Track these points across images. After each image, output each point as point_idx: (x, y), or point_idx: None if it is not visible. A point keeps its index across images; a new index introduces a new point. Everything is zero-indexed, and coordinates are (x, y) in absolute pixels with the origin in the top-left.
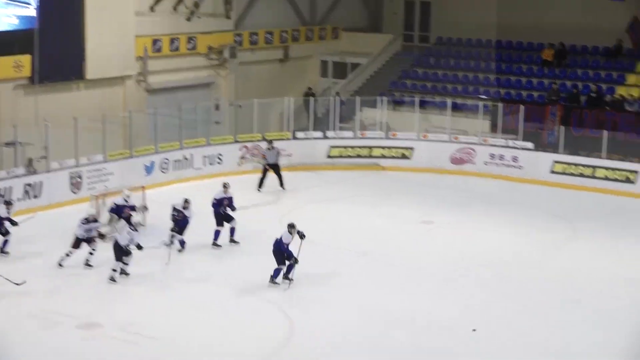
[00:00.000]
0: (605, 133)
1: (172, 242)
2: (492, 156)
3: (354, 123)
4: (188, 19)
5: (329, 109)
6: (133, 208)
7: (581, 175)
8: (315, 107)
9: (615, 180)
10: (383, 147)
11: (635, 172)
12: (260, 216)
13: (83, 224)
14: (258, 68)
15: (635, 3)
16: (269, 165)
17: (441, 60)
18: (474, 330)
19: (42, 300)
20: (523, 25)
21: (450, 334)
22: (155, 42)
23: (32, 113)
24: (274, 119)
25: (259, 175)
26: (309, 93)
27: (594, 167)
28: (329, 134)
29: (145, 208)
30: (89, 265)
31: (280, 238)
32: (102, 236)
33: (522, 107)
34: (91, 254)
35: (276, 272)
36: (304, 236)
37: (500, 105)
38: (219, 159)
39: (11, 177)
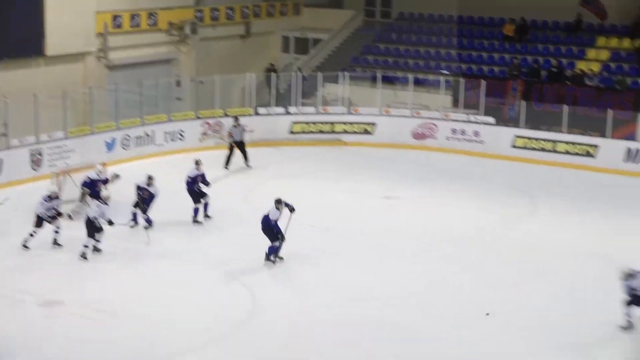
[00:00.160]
0: (565, 107)
1: (136, 222)
2: (454, 131)
3: (316, 99)
4: None
5: (291, 84)
6: (106, 182)
7: (542, 149)
8: (277, 83)
9: (576, 154)
10: (345, 123)
11: (596, 146)
12: (223, 193)
13: (45, 201)
14: (219, 44)
15: None
16: (235, 142)
17: (403, 36)
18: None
19: (5, 279)
20: (484, 1)
21: (413, 309)
22: (115, 18)
23: None
24: (235, 95)
25: (221, 151)
26: (271, 69)
27: (554, 141)
28: (291, 109)
29: (117, 176)
30: (58, 245)
31: (268, 215)
32: (69, 216)
33: (483, 82)
34: (57, 232)
35: (270, 250)
36: (294, 209)
37: (461, 80)
38: (181, 135)
39: None
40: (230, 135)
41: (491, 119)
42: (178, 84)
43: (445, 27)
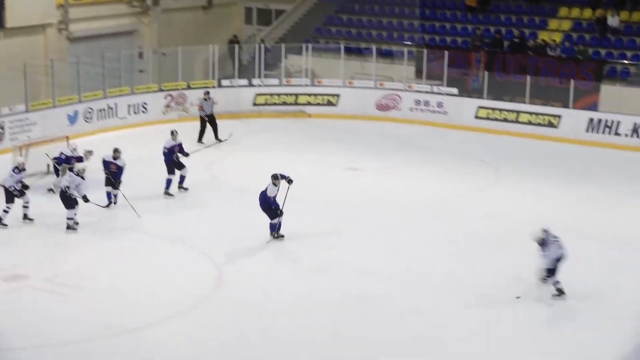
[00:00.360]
0: (528, 78)
1: (114, 201)
2: (417, 102)
3: (279, 70)
4: None
5: (254, 56)
6: (80, 159)
7: (505, 120)
8: (240, 55)
9: (539, 124)
10: (309, 95)
11: (558, 116)
12: (187, 166)
13: (15, 173)
14: (181, 15)
15: None
16: (206, 116)
17: (365, 7)
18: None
19: None
20: None
21: (378, 280)
22: None
23: None
24: (198, 67)
25: (185, 123)
26: (234, 40)
27: (517, 112)
28: (255, 81)
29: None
30: (29, 219)
31: (265, 191)
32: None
33: (446, 53)
34: (26, 206)
35: (272, 227)
36: (292, 180)
37: (424, 51)
38: (144, 107)
39: None
40: (202, 108)
41: (454, 90)
42: (140, 56)
43: None
